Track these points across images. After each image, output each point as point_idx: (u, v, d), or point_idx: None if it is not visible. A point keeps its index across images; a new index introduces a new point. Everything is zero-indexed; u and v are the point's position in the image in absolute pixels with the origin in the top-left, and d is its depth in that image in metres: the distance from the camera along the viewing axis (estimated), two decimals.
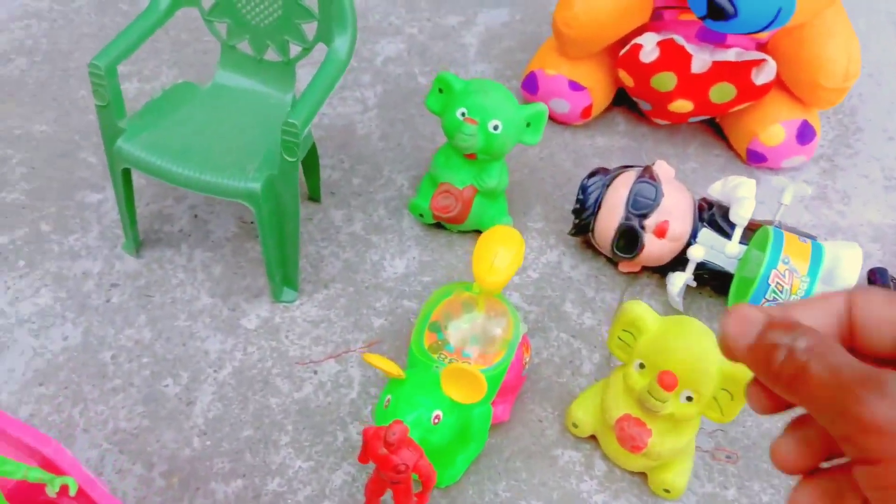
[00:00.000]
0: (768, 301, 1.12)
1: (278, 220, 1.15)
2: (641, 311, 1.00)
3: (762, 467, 1.12)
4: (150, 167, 1.11)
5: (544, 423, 1.15)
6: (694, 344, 0.96)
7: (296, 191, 1.13)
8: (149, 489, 1.04)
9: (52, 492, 0.82)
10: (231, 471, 1.07)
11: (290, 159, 1.08)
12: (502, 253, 1.05)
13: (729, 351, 0.34)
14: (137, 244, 1.29)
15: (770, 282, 1.12)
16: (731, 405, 0.97)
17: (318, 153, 1.33)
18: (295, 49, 1.19)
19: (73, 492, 0.83)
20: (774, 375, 0.32)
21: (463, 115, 1.22)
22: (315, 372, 1.18)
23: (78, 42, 1.68)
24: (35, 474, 0.82)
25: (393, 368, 0.95)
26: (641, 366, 0.99)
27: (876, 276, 1.29)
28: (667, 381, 0.94)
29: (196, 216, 1.37)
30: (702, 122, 1.61)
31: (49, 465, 0.85)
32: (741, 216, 1.18)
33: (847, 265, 1.15)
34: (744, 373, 0.94)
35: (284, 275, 1.23)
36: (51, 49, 1.65)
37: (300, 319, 1.24)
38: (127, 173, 1.17)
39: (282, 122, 1.04)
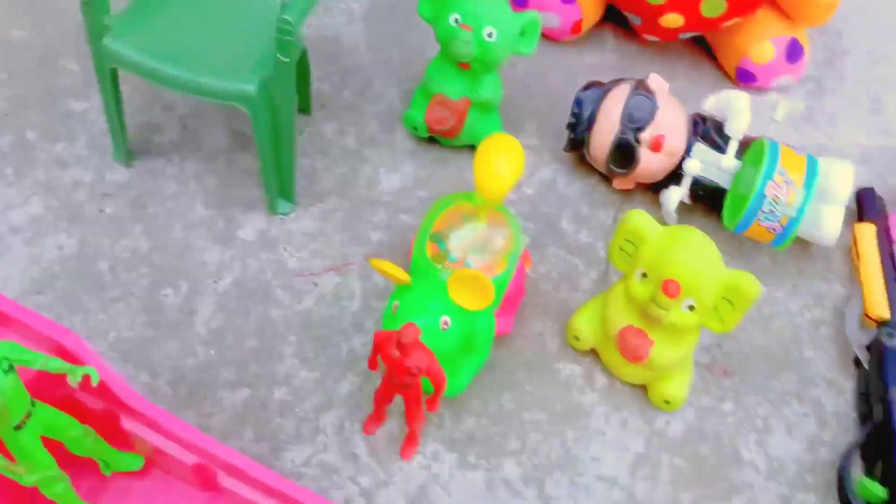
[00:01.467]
0: (765, 213, 1.15)
1: (274, 126, 1.13)
2: (643, 220, 1.02)
3: (757, 381, 1.16)
4: (140, 67, 1.08)
5: (545, 337, 1.17)
6: (696, 252, 0.99)
7: (292, 94, 1.11)
8: (156, 397, 1.04)
9: (73, 382, 0.81)
10: (237, 380, 1.08)
11: (284, 59, 1.06)
12: (503, 161, 1.06)
13: None
14: (128, 154, 1.26)
15: (766, 193, 1.14)
16: (732, 314, 0.99)
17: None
18: None
19: (95, 382, 0.82)
20: None
21: (457, 21, 1.20)
22: (315, 284, 1.18)
23: None
24: (55, 364, 0.81)
25: (400, 273, 0.96)
26: (644, 275, 1.01)
27: (864, 197, 1.32)
28: (670, 289, 0.96)
29: (185, 126, 1.34)
30: (691, 40, 1.61)
31: (69, 358, 0.85)
32: (736, 129, 1.19)
33: (839, 180, 1.18)
34: (746, 281, 0.97)
35: (280, 185, 1.22)
36: None
37: (297, 232, 1.23)
38: (114, 75, 1.14)
39: (273, 20, 1.01)
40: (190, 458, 0.88)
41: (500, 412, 1.09)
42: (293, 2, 1.03)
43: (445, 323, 0.96)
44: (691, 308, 0.99)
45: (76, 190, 1.23)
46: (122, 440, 0.91)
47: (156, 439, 0.88)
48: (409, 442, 1.03)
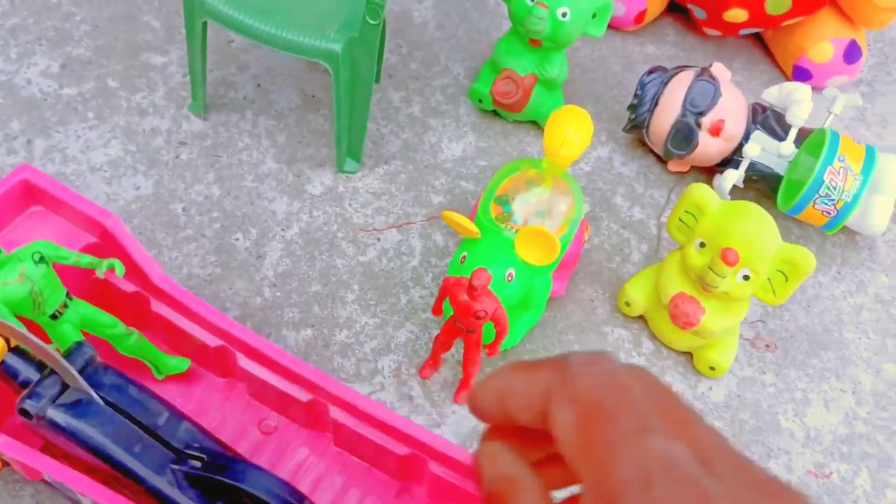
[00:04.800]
0: (821, 196, 1.18)
1: (352, 86, 1.18)
2: (705, 192, 1.05)
3: (798, 357, 1.19)
4: (232, 21, 1.13)
5: (595, 303, 1.21)
6: (755, 224, 1.02)
7: (374, 57, 1.16)
8: None
9: (100, 273, 0.87)
10: (301, 320, 1.12)
11: (372, 22, 1.10)
12: (573, 130, 1.10)
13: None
14: (204, 106, 1.31)
15: (825, 178, 1.17)
16: (785, 287, 1.03)
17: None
18: None
19: (119, 273, 0.89)
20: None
21: None
22: (378, 239, 1.23)
23: None
24: (85, 260, 0.87)
25: (471, 226, 1.00)
26: (702, 245, 1.04)
27: None
28: (729, 257, 1.00)
29: (259, 85, 1.39)
30: (749, 36, 1.64)
31: (109, 237, 0.90)
32: (798, 116, 1.23)
33: (892, 175, 1.21)
34: (802, 254, 1.00)
35: (350, 145, 1.27)
36: None
37: (363, 190, 1.28)
38: (204, 28, 1.19)
39: None
40: (214, 342, 0.93)
41: None
42: None
43: (510, 275, 1.00)
44: (746, 278, 1.02)
45: (154, 136, 1.29)
46: (151, 322, 0.96)
47: (183, 323, 0.93)
48: (464, 386, 1.07)
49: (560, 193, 1.14)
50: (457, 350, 1.11)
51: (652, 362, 1.16)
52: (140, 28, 1.44)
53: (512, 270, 1.00)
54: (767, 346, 1.20)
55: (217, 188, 1.24)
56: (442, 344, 1.05)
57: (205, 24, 1.18)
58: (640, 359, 1.16)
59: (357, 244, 1.22)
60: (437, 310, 1.04)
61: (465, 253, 1.02)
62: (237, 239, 1.19)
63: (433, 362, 1.09)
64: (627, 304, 1.17)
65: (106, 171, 1.24)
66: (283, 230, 1.21)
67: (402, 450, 0.89)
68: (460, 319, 0.97)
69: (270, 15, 1.13)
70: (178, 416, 0.83)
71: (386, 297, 1.16)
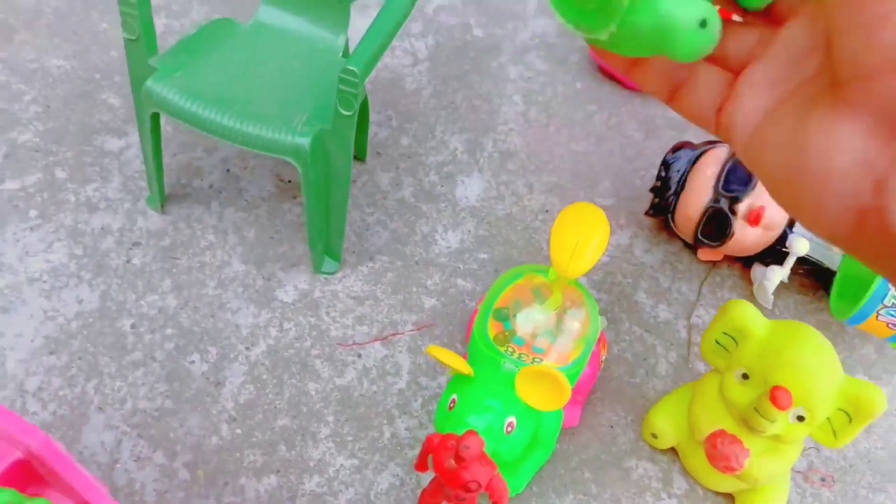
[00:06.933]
0: (886, 307, 0.98)
1: (326, 182, 1.01)
2: (749, 313, 0.86)
3: (860, 493, 0.99)
4: (183, 113, 0.96)
5: (616, 430, 1.02)
6: (812, 356, 0.83)
7: (349, 150, 0.98)
8: (171, 481, 0.91)
9: None
10: (264, 465, 0.94)
11: (345, 113, 0.93)
12: (585, 235, 0.91)
13: None
14: (163, 199, 1.15)
15: (891, 286, 0.98)
16: (847, 429, 0.84)
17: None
18: None
19: None
20: None
21: None
22: (359, 355, 1.05)
23: None
24: (5, 497, 0.69)
25: (461, 365, 0.82)
26: (745, 376, 0.85)
27: None
28: (780, 399, 0.80)
29: (228, 171, 1.22)
30: None
31: (36, 459, 0.72)
32: None
33: None
34: (869, 393, 0.81)
35: (327, 243, 1.10)
36: None
37: (342, 294, 1.11)
38: (156, 118, 1.03)
39: (332, 68, 0.89)
40: None
41: None
42: (360, 50, 0.90)
43: (511, 425, 0.81)
44: (800, 418, 0.83)
45: (104, 237, 1.12)
46: None
47: None
48: None
49: (572, 306, 0.95)
50: None
51: None
52: (97, 107, 1.28)
53: (513, 419, 0.81)
54: (823, 479, 1.01)
55: (173, 298, 1.07)
56: (430, 502, 0.86)
57: (156, 114, 1.02)
58: (672, 500, 0.96)
59: (334, 363, 1.04)
60: (420, 465, 0.85)
61: (454, 396, 0.83)
62: (193, 362, 1.02)
63: None
64: (654, 435, 0.98)
65: (45, 281, 1.07)
66: (247, 348, 1.04)
67: None
68: (448, 486, 0.78)
69: (227, 105, 0.96)
70: None
71: (366, 431, 0.98)
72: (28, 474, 0.73)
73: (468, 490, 0.75)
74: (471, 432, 0.74)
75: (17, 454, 0.72)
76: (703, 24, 0.27)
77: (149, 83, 0.97)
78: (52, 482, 0.73)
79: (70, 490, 0.72)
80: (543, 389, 0.81)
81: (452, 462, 0.75)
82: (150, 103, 0.99)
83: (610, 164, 1.32)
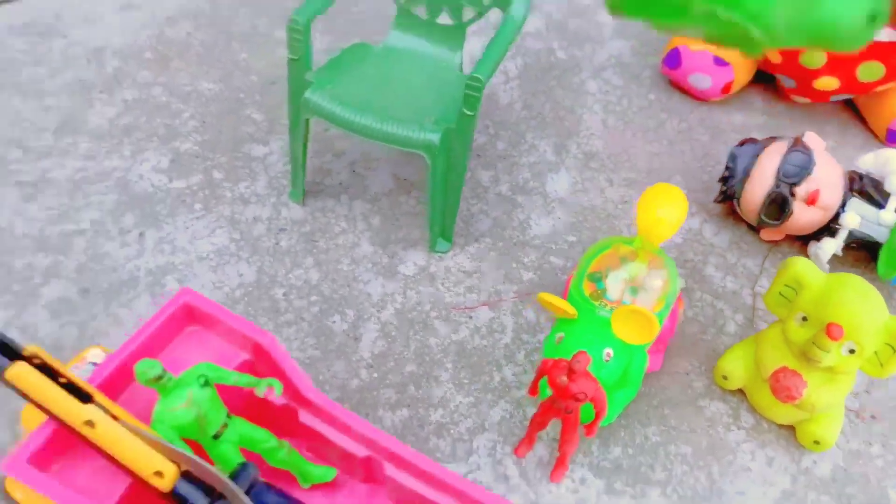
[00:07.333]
0: None
1: (447, 172, 1.22)
2: (806, 266, 1.04)
3: None
4: (335, 117, 1.19)
5: (691, 376, 1.19)
6: (861, 297, 1.00)
7: (468, 145, 1.20)
8: None
9: (260, 392, 0.91)
10: (397, 401, 1.14)
11: (469, 113, 1.15)
12: (668, 208, 1.10)
13: None
14: (303, 193, 1.38)
15: None
16: (893, 360, 0.99)
17: None
18: (467, 13, 1.27)
19: (278, 392, 0.91)
20: None
21: None
22: (470, 317, 1.25)
23: (236, 9, 1.79)
24: (244, 380, 0.91)
25: (567, 306, 1.01)
26: (804, 319, 1.02)
27: None
28: (834, 332, 0.97)
29: (354, 171, 1.45)
30: (839, 101, 1.62)
31: (263, 354, 0.94)
32: None
33: None
34: None
35: (442, 226, 1.31)
36: (213, 14, 1.76)
37: (454, 269, 1.31)
38: (307, 123, 1.26)
39: (451, 80, 1.10)
40: (361, 451, 0.94)
41: (647, 444, 1.11)
42: (484, 62, 1.13)
43: (608, 355, 1.00)
44: (851, 352, 1.00)
45: (256, 224, 1.35)
46: (298, 432, 0.98)
47: (331, 434, 0.95)
48: (560, 465, 1.06)
49: (655, 268, 1.14)
50: (552, 428, 1.10)
51: (752, 436, 1.13)
52: (243, 121, 1.53)
53: (610, 350, 1.00)
54: (873, 416, 1.16)
55: (315, 272, 1.29)
56: (538, 423, 1.05)
57: (308, 119, 1.25)
58: (741, 432, 1.13)
59: (450, 323, 1.24)
60: (533, 390, 1.05)
61: (561, 333, 1.03)
62: (334, 321, 1.23)
63: (528, 440, 1.09)
64: (725, 377, 1.15)
65: (212, 259, 1.30)
66: (378, 311, 1.25)
67: None
68: (559, 401, 0.97)
69: (370, 110, 1.19)
70: None
71: (479, 376, 1.18)
72: (252, 373, 0.94)
73: (577, 400, 0.93)
74: (581, 352, 0.92)
75: (244, 356, 0.94)
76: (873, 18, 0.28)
77: (307, 94, 1.20)
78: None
79: (288, 384, 0.93)
80: (635, 325, 0.99)
81: (564, 378, 0.93)
82: (307, 110, 1.22)
83: (680, 162, 1.51)
